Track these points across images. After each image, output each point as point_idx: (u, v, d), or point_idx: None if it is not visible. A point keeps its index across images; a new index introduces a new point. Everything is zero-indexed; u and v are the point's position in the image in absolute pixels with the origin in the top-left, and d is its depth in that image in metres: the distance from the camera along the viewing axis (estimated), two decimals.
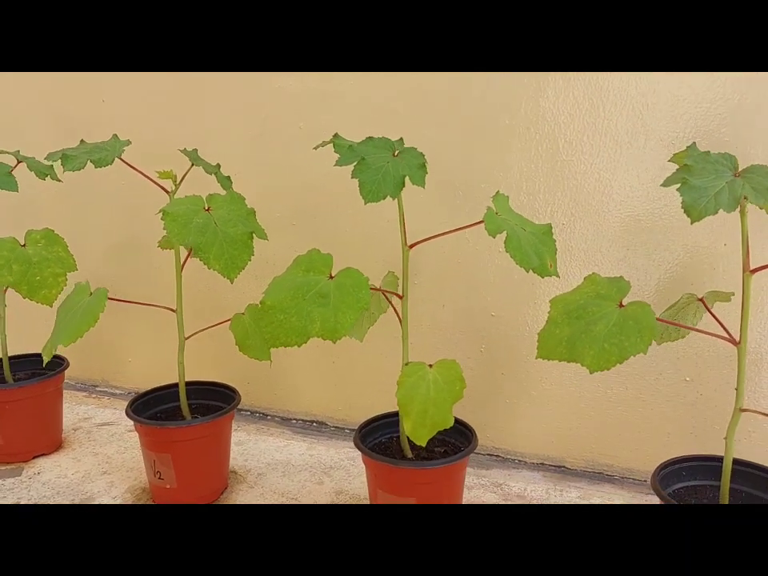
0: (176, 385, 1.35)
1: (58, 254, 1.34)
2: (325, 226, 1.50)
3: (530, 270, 0.93)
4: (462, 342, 1.43)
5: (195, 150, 1.25)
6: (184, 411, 1.28)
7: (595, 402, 1.35)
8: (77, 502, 1.26)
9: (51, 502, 1.26)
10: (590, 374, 0.90)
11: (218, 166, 1.27)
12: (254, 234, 1.10)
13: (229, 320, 1.25)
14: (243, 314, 1.25)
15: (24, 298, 1.27)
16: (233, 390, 1.34)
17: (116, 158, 1.16)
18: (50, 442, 1.50)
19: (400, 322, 1.08)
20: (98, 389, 1.87)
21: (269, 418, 1.65)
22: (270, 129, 1.51)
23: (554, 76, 1.27)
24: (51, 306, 1.30)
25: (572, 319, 0.91)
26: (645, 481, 1.34)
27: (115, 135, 1.24)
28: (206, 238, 1.05)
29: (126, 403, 1.78)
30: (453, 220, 1.35)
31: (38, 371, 1.57)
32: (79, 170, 1.13)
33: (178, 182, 1.20)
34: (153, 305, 1.24)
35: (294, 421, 1.63)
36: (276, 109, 1.50)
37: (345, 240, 1.48)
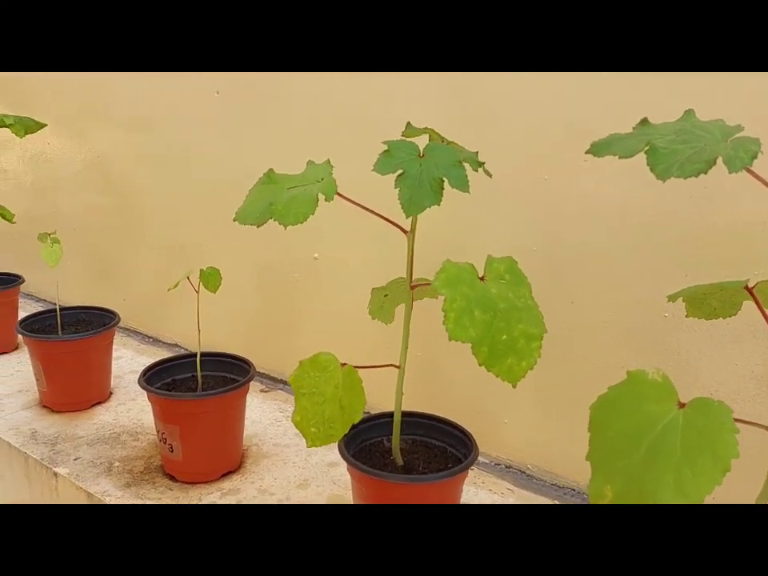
0: None
1: (526, 301, 0.87)
2: None
3: None
4: None
5: None
6: None
7: None
8: None
9: None
10: None
11: None
12: None
13: None
14: None
15: (480, 365, 0.83)
16: None
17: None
18: None
19: None
20: None
21: None
22: None
23: None
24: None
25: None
26: None
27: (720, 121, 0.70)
28: None
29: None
30: None
31: (424, 440, 1.17)
32: (690, 176, 0.62)
33: None
34: None
35: None
36: None
37: None
